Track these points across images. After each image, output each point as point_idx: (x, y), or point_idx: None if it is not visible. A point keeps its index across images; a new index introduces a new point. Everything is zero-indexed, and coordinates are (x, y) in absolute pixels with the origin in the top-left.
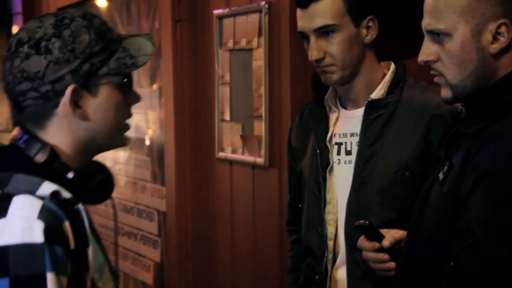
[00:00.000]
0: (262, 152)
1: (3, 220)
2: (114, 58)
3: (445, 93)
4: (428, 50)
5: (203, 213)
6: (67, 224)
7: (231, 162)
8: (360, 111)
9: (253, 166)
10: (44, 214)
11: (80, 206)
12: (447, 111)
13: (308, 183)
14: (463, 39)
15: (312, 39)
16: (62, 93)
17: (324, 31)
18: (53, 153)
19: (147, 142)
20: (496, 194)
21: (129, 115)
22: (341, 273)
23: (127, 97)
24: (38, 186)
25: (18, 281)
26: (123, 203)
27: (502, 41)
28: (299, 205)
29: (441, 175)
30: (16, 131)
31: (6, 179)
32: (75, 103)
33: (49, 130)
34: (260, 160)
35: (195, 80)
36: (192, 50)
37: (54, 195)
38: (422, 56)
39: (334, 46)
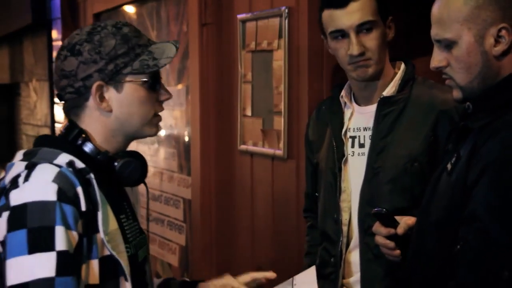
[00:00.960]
0: (281, 144)
1: (27, 183)
2: (139, 59)
3: (457, 94)
4: (438, 57)
5: (225, 201)
6: (79, 189)
7: (252, 154)
8: (373, 107)
9: (273, 157)
10: (58, 178)
11: (92, 175)
12: (453, 107)
13: (324, 173)
14: (468, 45)
15: (353, 35)
16: (91, 88)
17: (365, 28)
18: (86, 137)
19: (175, 136)
20: (500, 182)
21: (157, 109)
22: (354, 256)
23: (155, 94)
24: (57, 156)
25: (33, 232)
26: (151, 191)
27: (504, 43)
28: (316, 194)
29: (449, 166)
30: (65, 121)
31: (35, 151)
32: (101, 97)
33: (84, 119)
34: (279, 152)
35: (219, 79)
36: (217, 51)
37: (70, 164)
38: (434, 63)
39: (373, 41)
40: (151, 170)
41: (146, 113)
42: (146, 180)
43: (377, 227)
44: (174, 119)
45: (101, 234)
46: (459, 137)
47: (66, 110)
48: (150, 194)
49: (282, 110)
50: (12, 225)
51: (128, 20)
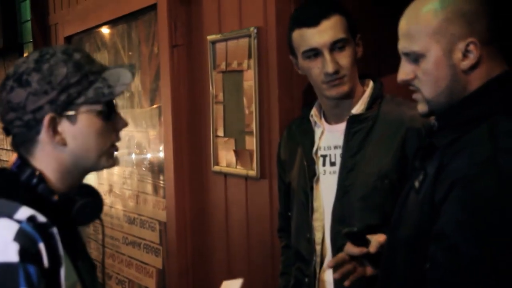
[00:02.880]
0: (254, 165)
1: None
2: (93, 88)
3: (422, 107)
4: (405, 70)
5: (201, 221)
6: (41, 246)
7: (226, 175)
8: (343, 126)
9: (246, 177)
10: (19, 236)
11: (55, 229)
12: (420, 124)
13: (296, 192)
14: (436, 58)
15: (326, 53)
16: (42, 121)
17: (338, 46)
18: (40, 177)
19: (148, 158)
20: (468, 198)
21: (114, 139)
22: (328, 275)
23: (112, 123)
24: (16, 210)
25: None
26: (127, 214)
27: (471, 58)
28: (289, 213)
29: (417, 184)
30: (14, 156)
31: None
32: (55, 130)
33: (36, 156)
34: (252, 172)
35: (192, 100)
36: (188, 72)
37: (31, 219)
38: (401, 76)
39: (347, 58)
40: (126, 193)
41: (102, 145)
42: (123, 203)
43: (349, 247)
44: (147, 140)
45: None
46: (425, 154)
47: (15, 145)
48: (126, 217)
49: (254, 130)
50: None
51: (100, 42)
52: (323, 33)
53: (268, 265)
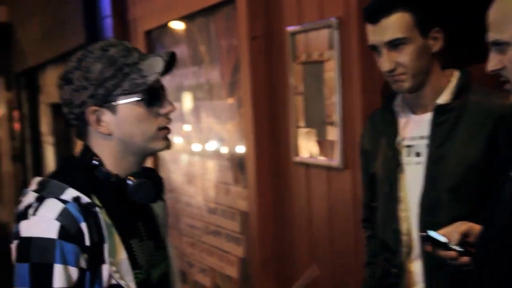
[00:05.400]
0: (336, 155)
1: (34, 218)
2: (128, 79)
3: None
4: (493, 60)
5: (282, 212)
6: (83, 225)
7: (307, 165)
8: (428, 116)
9: (328, 168)
10: (62, 215)
11: (97, 209)
12: (511, 113)
13: (381, 183)
14: None
15: (384, 51)
16: (87, 114)
17: (395, 44)
18: (99, 161)
19: (228, 149)
20: None
21: (161, 122)
22: (416, 266)
23: (156, 108)
24: (63, 191)
25: (34, 267)
26: (208, 204)
27: None
28: (373, 204)
29: None
30: (80, 144)
31: (46, 184)
32: (99, 121)
33: (92, 144)
34: (334, 163)
35: (271, 91)
36: (267, 64)
37: (76, 199)
38: (489, 66)
39: (404, 57)
40: (207, 183)
41: (147, 130)
42: (203, 193)
43: (440, 253)
44: (227, 132)
45: (107, 265)
46: None
47: (78, 135)
48: (207, 207)
49: (336, 121)
50: (19, 257)
51: (178, 35)
52: (381, 31)
53: (352, 256)
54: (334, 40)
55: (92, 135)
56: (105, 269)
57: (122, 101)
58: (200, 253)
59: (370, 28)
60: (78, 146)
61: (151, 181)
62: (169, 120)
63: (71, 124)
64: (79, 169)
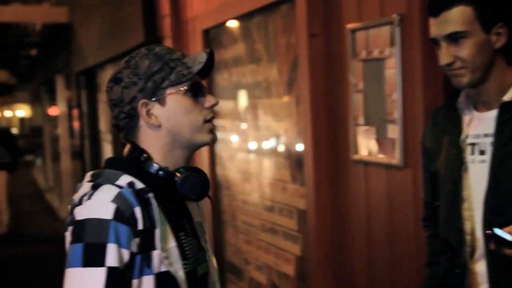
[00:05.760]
0: (396, 153)
1: (89, 201)
2: (174, 72)
3: None
4: None
5: (340, 210)
6: (137, 209)
7: (366, 163)
8: (493, 113)
9: (388, 166)
10: (118, 198)
11: (151, 195)
12: None
13: (444, 181)
14: None
15: (443, 44)
16: (138, 109)
17: (454, 37)
18: (147, 156)
19: (286, 147)
20: None
21: (206, 115)
22: (480, 266)
23: (200, 101)
24: (118, 177)
25: (88, 247)
26: (264, 202)
27: None
28: (436, 203)
29: None
30: (127, 148)
31: (100, 173)
32: (149, 114)
33: (141, 140)
34: (394, 161)
35: (329, 89)
36: (325, 62)
37: (130, 185)
38: None
39: (464, 51)
40: (264, 181)
41: (194, 121)
42: (260, 190)
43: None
44: (285, 129)
45: (158, 251)
46: None
47: (125, 136)
48: (264, 204)
49: (396, 118)
50: (73, 238)
51: (236, 34)
52: (441, 24)
53: (413, 255)
54: (396, 37)
55: (141, 130)
56: (156, 255)
57: (170, 92)
58: (256, 251)
59: (431, 21)
60: (126, 148)
61: (198, 176)
62: (214, 114)
63: (120, 127)
64: (129, 164)
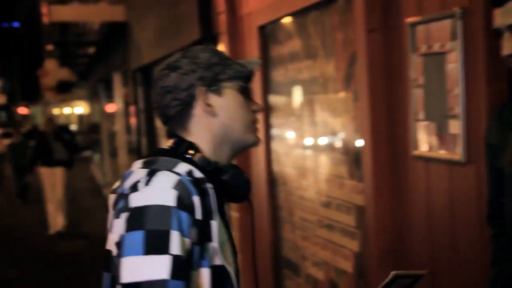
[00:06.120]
0: (459, 149)
1: (148, 187)
2: (231, 67)
3: None
4: None
5: (400, 206)
6: (196, 198)
7: (426, 159)
8: None
9: (449, 162)
10: (178, 185)
11: (209, 185)
12: None
13: (510, 178)
14: None
15: (507, 35)
16: (195, 96)
17: None
18: (197, 148)
19: (343, 142)
20: None
21: (253, 117)
22: None
23: (249, 102)
24: (176, 164)
25: (150, 234)
26: (321, 198)
27: None
28: (501, 200)
29: None
30: (170, 140)
31: (155, 160)
32: (205, 103)
33: (192, 130)
34: (456, 157)
35: (388, 84)
36: (384, 57)
37: (189, 173)
38: None
39: None
40: (321, 176)
41: (246, 117)
42: (317, 186)
43: None
44: (342, 126)
45: (214, 243)
46: None
47: (172, 127)
48: (321, 200)
49: (459, 113)
50: (130, 225)
51: (292, 30)
52: (504, 14)
53: (476, 254)
54: (458, 31)
55: (194, 119)
56: (212, 247)
57: (227, 86)
58: (313, 247)
59: (496, 11)
60: (169, 142)
61: (246, 175)
62: (257, 118)
63: (169, 117)
64: (179, 155)
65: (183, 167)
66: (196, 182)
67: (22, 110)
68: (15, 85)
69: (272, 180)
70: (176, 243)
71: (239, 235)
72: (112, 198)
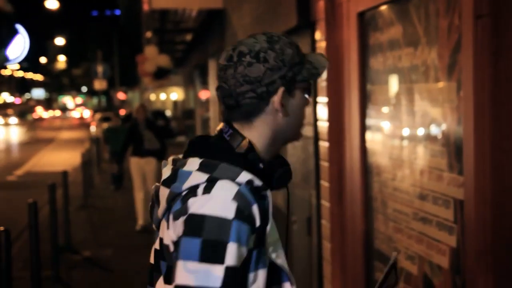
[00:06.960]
0: None
1: (207, 196)
2: (305, 68)
3: None
4: None
5: (503, 201)
6: (255, 207)
7: None
8: None
9: None
10: (238, 196)
11: (268, 192)
12: None
13: None
14: None
15: None
16: (273, 93)
17: None
18: (251, 146)
19: (443, 133)
20: None
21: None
22: None
23: (308, 100)
24: (238, 174)
25: (207, 243)
26: (417, 190)
27: None
28: None
29: None
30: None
31: (215, 165)
32: (282, 103)
33: (255, 125)
34: None
35: (496, 74)
36: (493, 45)
37: (249, 182)
38: None
39: None
40: (417, 168)
41: (304, 118)
42: (413, 178)
43: None
44: (443, 116)
45: (268, 244)
46: None
47: (235, 116)
48: (417, 192)
49: None
50: (189, 231)
51: (392, 16)
52: None
53: None
54: None
55: (263, 116)
56: (268, 248)
57: (299, 87)
58: (407, 240)
59: None
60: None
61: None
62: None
63: (236, 106)
64: (235, 153)
65: (245, 176)
66: (255, 190)
67: (121, 96)
68: (114, 71)
69: (366, 170)
70: (232, 254)
71: (329, 225)
72: (163, 191)
